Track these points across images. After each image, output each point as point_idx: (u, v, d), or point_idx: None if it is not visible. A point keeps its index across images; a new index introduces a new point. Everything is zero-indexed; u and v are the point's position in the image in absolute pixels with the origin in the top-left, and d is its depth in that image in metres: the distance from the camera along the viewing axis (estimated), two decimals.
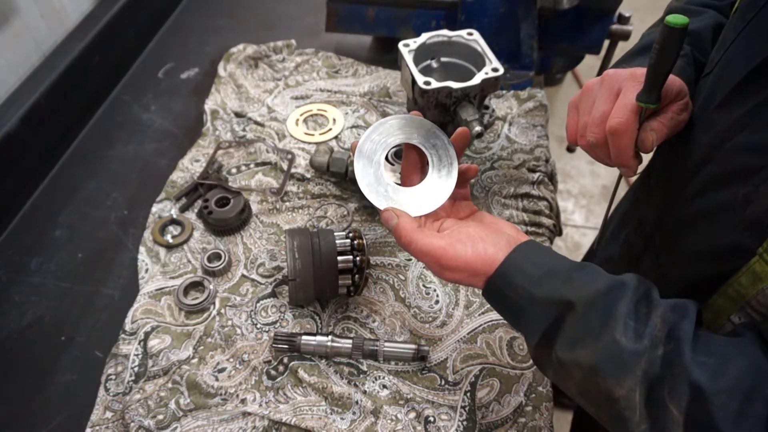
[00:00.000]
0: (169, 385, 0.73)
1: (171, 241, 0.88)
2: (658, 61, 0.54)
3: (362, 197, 0.87)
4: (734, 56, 0.55)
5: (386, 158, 0.88)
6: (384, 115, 1.09)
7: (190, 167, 0.99)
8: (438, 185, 0.61)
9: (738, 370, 0.43)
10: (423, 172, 0.62)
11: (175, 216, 0.91)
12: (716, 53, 0.60)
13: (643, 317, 0.47)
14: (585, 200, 2.34)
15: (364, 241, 0.78)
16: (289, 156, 1.00)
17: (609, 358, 0.46)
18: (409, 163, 0.63)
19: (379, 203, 0.60)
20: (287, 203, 0.94)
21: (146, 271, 0.85)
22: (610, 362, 0.46)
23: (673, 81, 0.59)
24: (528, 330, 0.52)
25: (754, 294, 0.48)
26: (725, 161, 0.53)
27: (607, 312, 0.47)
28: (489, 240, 0.55)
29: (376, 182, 0.61)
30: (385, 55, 1.24)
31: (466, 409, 0.71)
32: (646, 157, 0.74)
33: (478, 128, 0.87)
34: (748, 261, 0.48)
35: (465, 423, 0.70)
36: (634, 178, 0.77)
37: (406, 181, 0.63)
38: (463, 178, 0.62)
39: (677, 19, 0.51)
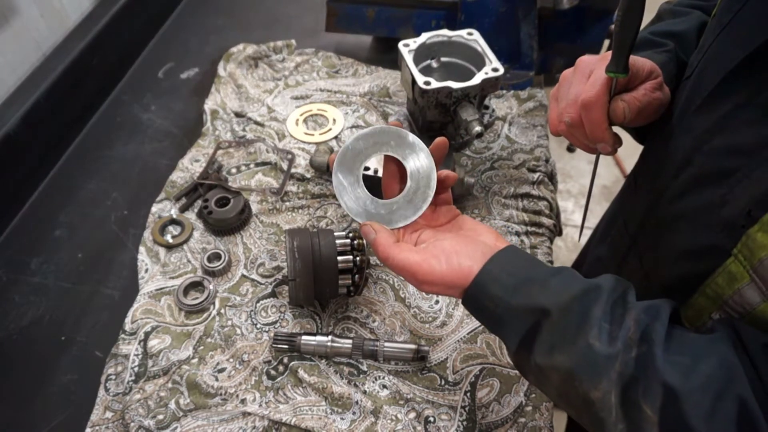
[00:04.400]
0: (169, 385, 0.73)
1: (171, 241, 0.88)
2: (622, 27, 0.56)
3: None
4: (711, 60, 0.57)
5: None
6: (384, 115, 1.09)
7: (190, 167, 0.99)
8: (416, 196, 0.61)
9: (709, 368, 0.43)
10: (402, 182, 0.62)
11: (175, 216, 0.91)
12: (695, 57, 0.61)
13: (618, 320, 0.48)
14: (585, 200, 2.34)
15: (364, 241, 0.78)
16: (289, 156, 1.00)
17: (584, 363, 0.47)
18: (389, 174, 0.63)
19: (359, 217, 0.61)
20: (287, 203, 0.94)
21: (146, 271, 0.85)
22: (586, 366, 0.47)
23: (644, 62, 0.61)
24: (507, 337, 0.53)
25: (731, 294, 0.49)
26: (704, 164, 0.53)
27: (582, 317, 0.48)
28: (463, 253, 0.56)
29: (355, 196, 0.61)
30: (385, 55, 1.24)
31: (466, 409, 0.71)
32: (633, 159, 0.75)
33: (478, 128, 0.87)
34: (724, 261, 0.49)
35: (465, 423, 0.70)
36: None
37: (386, 192, 0.63)
38: (442, 186, 0.62)
39: None
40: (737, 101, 0.50)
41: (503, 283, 0.53)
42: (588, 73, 0.62)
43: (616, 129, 0.63)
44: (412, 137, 0.61)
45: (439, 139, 0.62)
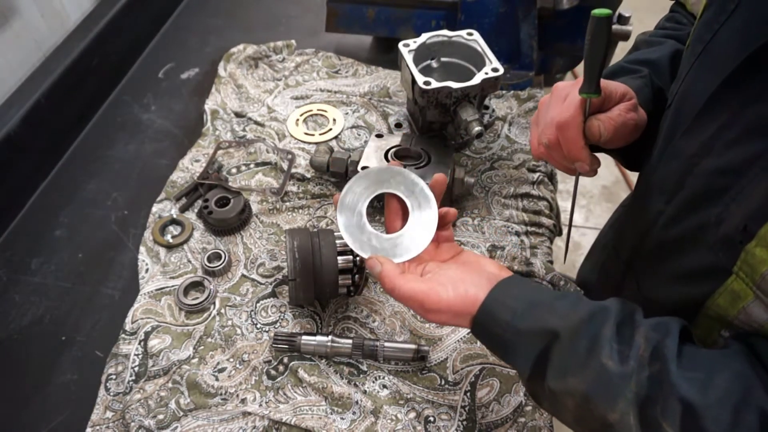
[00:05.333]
0: (170, 384, 0.73)
1: (171, 241, 0.88)
2: (590, 51, 0.60)
3: None
4: (690, 87, 0.59)
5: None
6: (384, 115, 1.09)
7: (190, 167, 0.99)
8: (418, 231, 0.63)
9: (726, 381, 0.43)
10: (405, 218, 0.64)
11: (175, 216, 0.91)
12: (675, 85, 0.63)
13: (627, 339, 0.48)
14: (585, 200, 2.34)
15: None
16: (289, 156, 1.00)
17: (598, 384, 0.47)
18: (391, 211, 0.65)
19: (364, 252, 0.62)
20: (287, 203, 0.94)
21: (146, 271, 0.85)
22: (600, 387, 0.47)
23: (617, 85, 0.65)
24: (518, 363, 0.53)
25: (736, 314, 0.49)
26: (696, 185, 0.54)
27: (592, 337, 0.48)
28: (469, 281, 0.56)
29: (360, 232, 0.63)
30: (385, 55, 1.24)
31: (466, 409, 0.71)
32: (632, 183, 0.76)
33: (478, 128, 0.87)
34: (724, 281, 0.49)
35: (465, 423, 0.70)
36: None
37: (389, 228, 0.65)
38: (443, 222, 0.63)
39: (601, 11, 0.58)
40: (720, 123, 0.51)
41: (510, 308, 0.53)
42: (564, 97, 0.65)
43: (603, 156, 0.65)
44: (412, 176, 0.64)
45: (438, 175, 0.64)
